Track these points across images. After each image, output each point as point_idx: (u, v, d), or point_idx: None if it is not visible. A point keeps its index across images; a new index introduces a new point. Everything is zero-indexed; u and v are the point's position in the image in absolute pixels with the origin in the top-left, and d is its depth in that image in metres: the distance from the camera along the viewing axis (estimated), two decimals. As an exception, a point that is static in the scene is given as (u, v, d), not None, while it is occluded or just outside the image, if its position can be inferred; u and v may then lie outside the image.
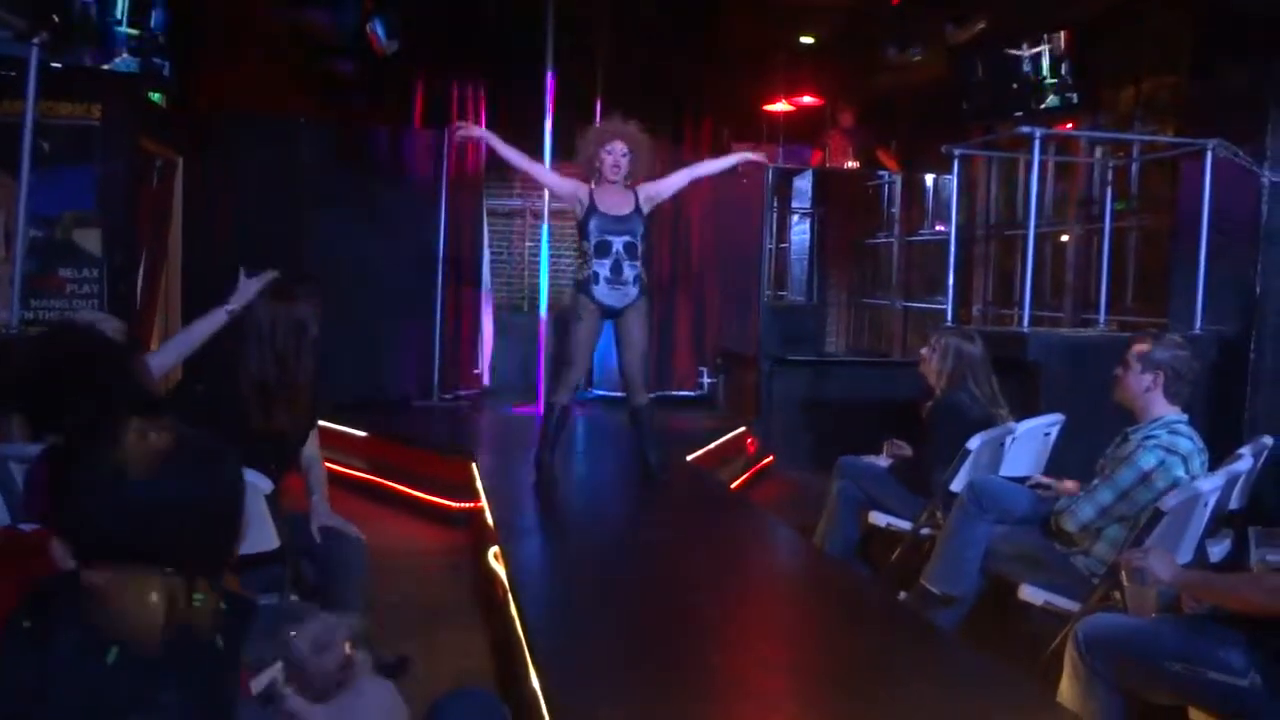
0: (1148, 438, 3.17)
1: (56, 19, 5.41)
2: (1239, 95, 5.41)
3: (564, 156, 7.71)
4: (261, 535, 2.66)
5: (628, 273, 4.41)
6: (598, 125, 4.58)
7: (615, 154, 4.41)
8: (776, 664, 2.77)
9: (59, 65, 5.36)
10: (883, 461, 4.32)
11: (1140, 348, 3.25)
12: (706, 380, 8.47)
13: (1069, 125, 7.04)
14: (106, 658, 1.02)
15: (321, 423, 3.95)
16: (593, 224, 4.36)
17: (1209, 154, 5.25)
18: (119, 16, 5.83)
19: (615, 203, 4.43)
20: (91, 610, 1.08)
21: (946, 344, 4.19)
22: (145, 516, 1.13)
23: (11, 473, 2.39)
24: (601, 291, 4.39)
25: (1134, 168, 6.67)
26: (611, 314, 4.45)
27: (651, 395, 8.18)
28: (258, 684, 1.55)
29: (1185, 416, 3.23)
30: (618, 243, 4.38)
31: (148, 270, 6.42)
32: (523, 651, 2.74)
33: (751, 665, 2.71)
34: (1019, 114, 6.85)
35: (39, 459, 2.21)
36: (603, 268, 4.37)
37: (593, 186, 4.46)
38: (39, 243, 5.40)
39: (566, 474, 5.07)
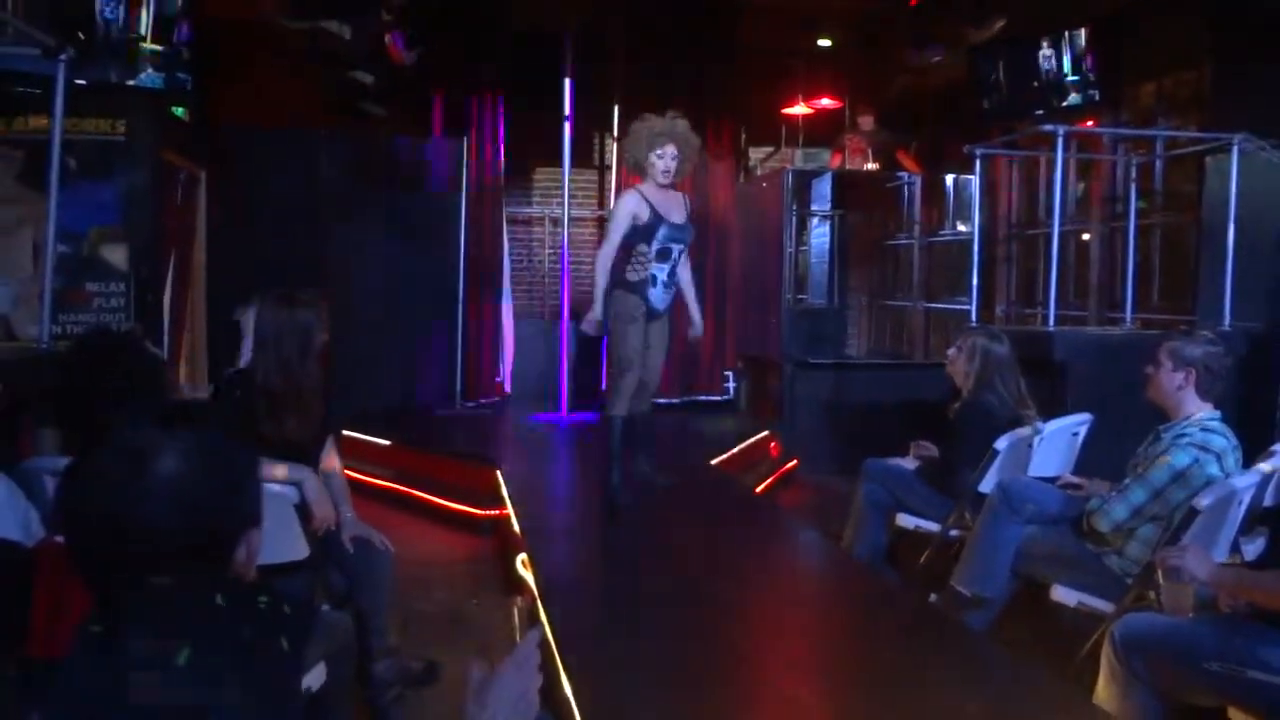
0: (1180, 436, 3.14)
1: (82, 36, 5.48)
2: (1264, 88, 5.35)
3: (581, 162, 7.77)
4: (291, 545, 2.68)
5: (672, 278, 4.40)
6: (646, 124, 4.36)
7: (666, 158, 4.31)
8: (807, 668, 2.76)
9: (84, 82, 5.42)
10: (909, 463, 4.29)
11: (1171, 345, 3.21)
12: (731, 385, 8.46)
13: (1090, 123, 6.99)
14: (178, 659, 1.03)
15: (345, 432, 3.99)
16: (662, 231, 4.25)
17: (1235, 148, 5.20)
18: (143, 33, 5.89)
19: (672, 208, 4.35)
20: (162, 613, 1.09)
21: (973, 344, 4.16)
22: (144, 517, 1.14)
23: (45, 485, 2.41)
24: (656, 295, 4.33)
25: (1158, 164, 6.62)
26: (653, 317, 4.42)
27: (676, 400, 8.27)
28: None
29: (1218, 414, 3.19)
30: (676, 249, 4.33)
31: (174, 283, 6.48)
32: (553, 657, 2.74)
33: (782, 669, 2.70)
34: (1040, 112, 6.81)
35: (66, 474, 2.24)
36: (661, 272, 4.31)
37: (644, 192, 4.34)
38: (66, 258, 5.45)
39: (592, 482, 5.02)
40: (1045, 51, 6.96)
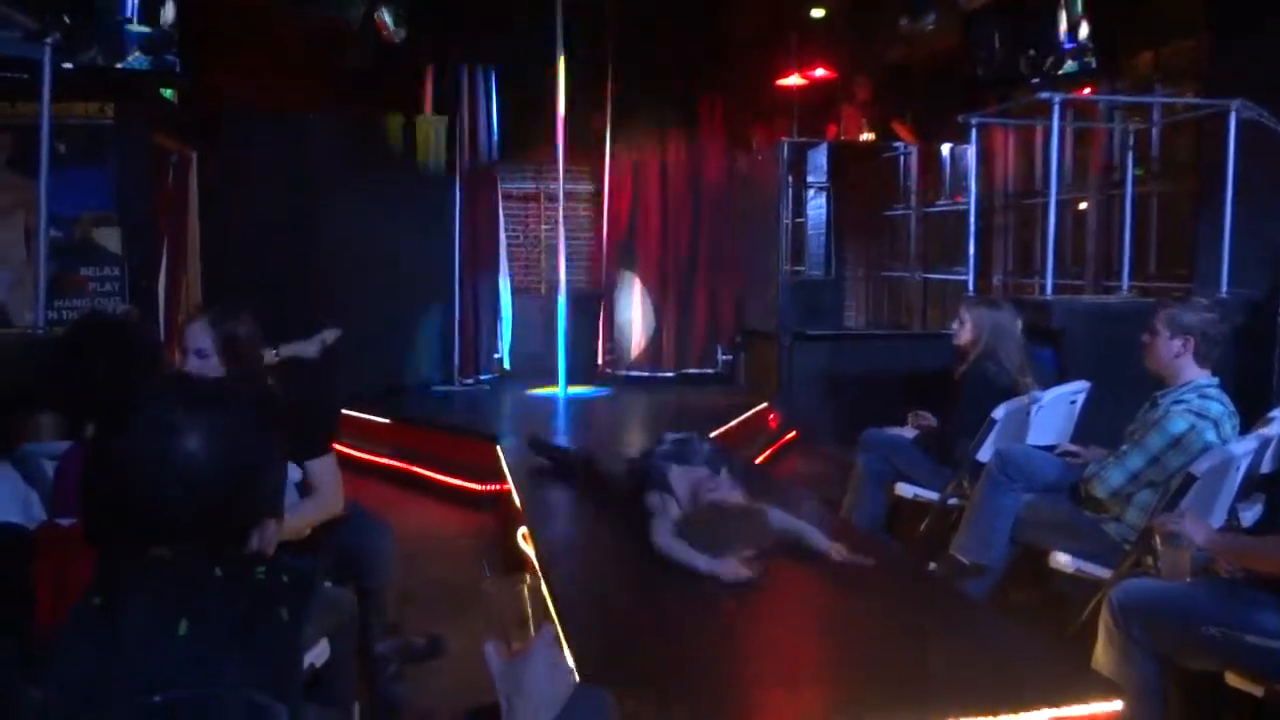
0: (1177, 402, 3.14)
1: (68, 19, 5.43)
2: (1262, 54, 5.32)
3: (575, 141, 7.73)
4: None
5: None
6: None
7: None
8: (805, 636, 2.78)
9: (70, 66, 5.38)
10: (908, 433, 4.30)
11: (1168, 313, 3.21)
12: (722, 358, 8.46)
13: (1087, 91, 6.95)
14: (177, 630, 1.04)
15: (346, 411, 3.98)
16: None
17: (1233, 115, 5.18)
18: (129, 14, 5.84)
19: None
20: (161, 585, 1.10)
21: (976, 314, 4.17)
22: (161, 490, 1.15)
23: (44, 469, 2.42)
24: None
25: (1155, 132, 6.59)
26: None
27: (671, 374, 8.26)
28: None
29: (1216, 379, 3.19)
30: None
31: (169, 266, 6.46)
32: (554, 629, 2.75)
33: (780, 638, 2.71)
34: (1036, 80, 6.76)
35: (68, 455, 2.24)
36: None
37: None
38: (59, 243, 5.44)
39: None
40: (1042, 18, 6.90)
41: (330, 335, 3.79)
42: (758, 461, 6.06)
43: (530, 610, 1.38)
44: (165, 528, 1.16)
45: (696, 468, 3.39)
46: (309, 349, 3.77)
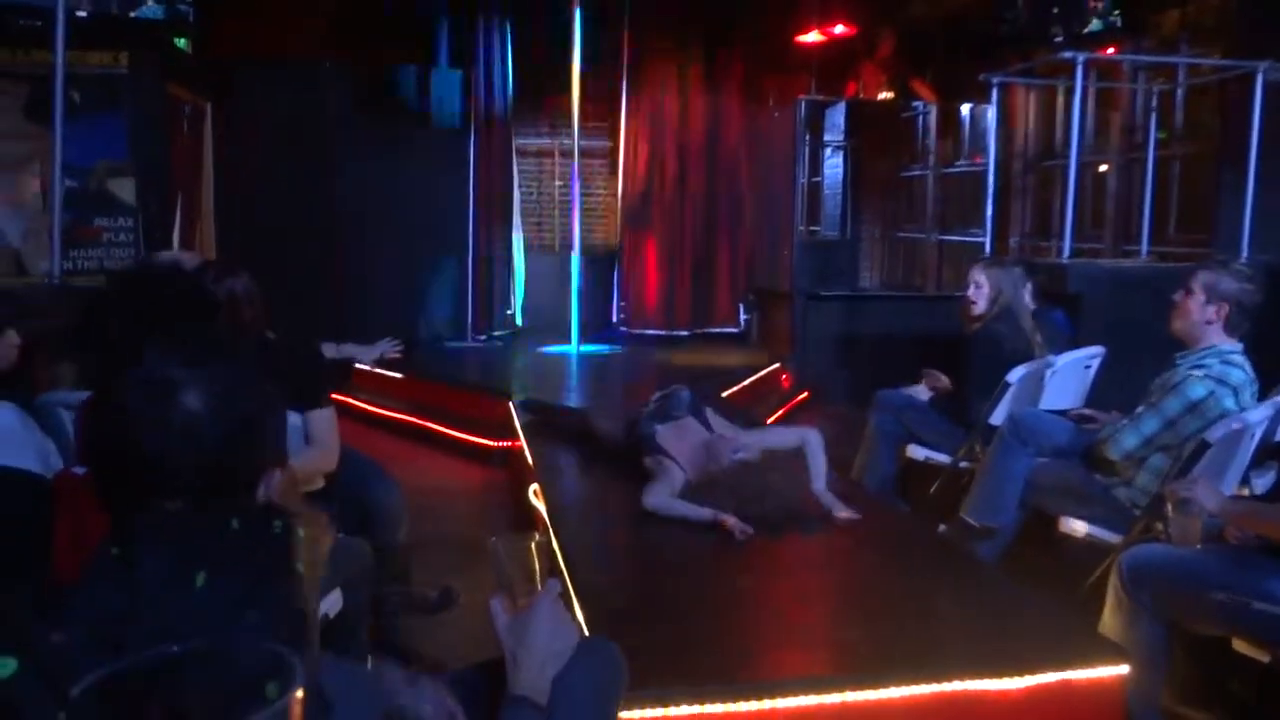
0: (1197, 366, 3.10)
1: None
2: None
3: (592, 92, 7.66)
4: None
5: None
6: None
7: None
8: (814, 595, 2.79)
9: (84, 14, 5.35)
10: (921, 394, 4.29)
11: (1207, 277, 3.12)
12: (743, 317, 8.45)
13: (1111, 50, 6.83)
14: (194, 582, 1.05)
15: (361, 365, 4.01)
16: None
17: (1259, 76, 5.09)
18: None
19: None
20: (178, 537, 1.11)
21: (992, 275, 4.14)
22: (162, 444, 1.16)
23: (62, 419, 2.44)
24: None
25: (1179, 93, 6.48)
26: None
27: (686, 333, 8.26)
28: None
29: (1240, 346, 3.14)
30: None
31: (183, 217, 6.46)
32: (564, 585, 2.78)
33: (789, 597, 2.73)
34: (1060, 39, 6.66)
35: (86, 404, 2.26)
36: None
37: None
38: (74, 193, 5.43)
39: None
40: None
41: (388, 347, 3.84)
42: (770, 421, 6.06)
43: (539, 567, 1.39)
44: (166, 483, 1.16)
45: (682, 420, 3.42)
46: (366, 355, 3.82)
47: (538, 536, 1.42)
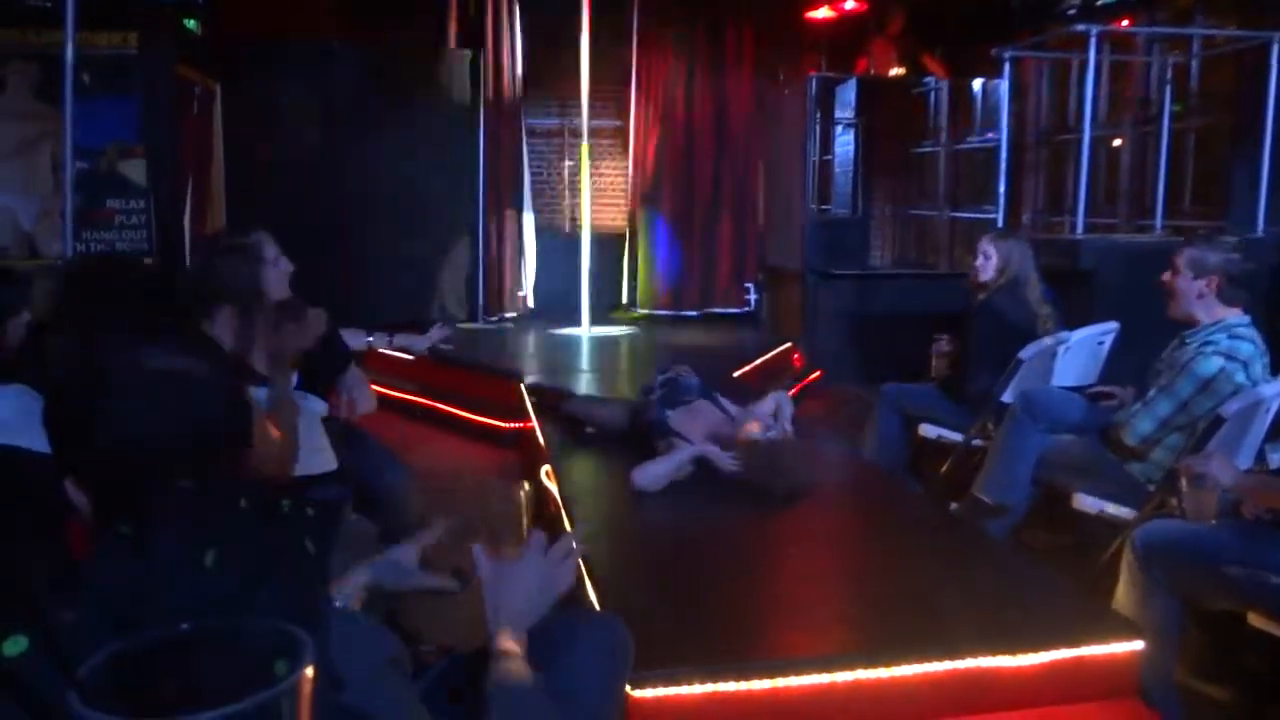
0: (1206, 343, 3.08)
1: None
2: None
3: (602, 72, 7.61)
4: (320, 457, 2.72)
5: None
6: None
7: None
8: (827, 575, 2.80)
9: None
10: (938, 351, 4.28)
11: (1191, 253, 3.13)
12: (752, 297, 8.42)
13: (1125, 22, 6.75)
14: (204, 561, 1.05)
15: (387, 352, 4.03)
16: None
17: (1275, 47, 5.03)
18: (151, -57, 5.77)
19: None
20: (187, 516, 1.11)
21: (1003, 246, 4.12)
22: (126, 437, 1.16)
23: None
24: None
25: (1194, 65, 6.40)
26: None
27: (696, 313, 8.24)
28: (339, 594, 1.62)
29: (1247, 318, 3.12)
30: None
31: (194, 199, 6.47)
32: (576, 566, 2.78)
33: (802, 577, 2.74)
34: (1072, 12, 6.58)
35: (52, 393, 2.26)
36: None
37: None
38: (85, 175, 5.44)
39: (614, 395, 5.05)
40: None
41: (438, 334, 3.86)
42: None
43: (527, 517, 1.40)
44: (128, 478, 1.17)
45: (694, 404, 3.45)
46: (420, 344, 3.84)
47: (527, 485, 1.43)
